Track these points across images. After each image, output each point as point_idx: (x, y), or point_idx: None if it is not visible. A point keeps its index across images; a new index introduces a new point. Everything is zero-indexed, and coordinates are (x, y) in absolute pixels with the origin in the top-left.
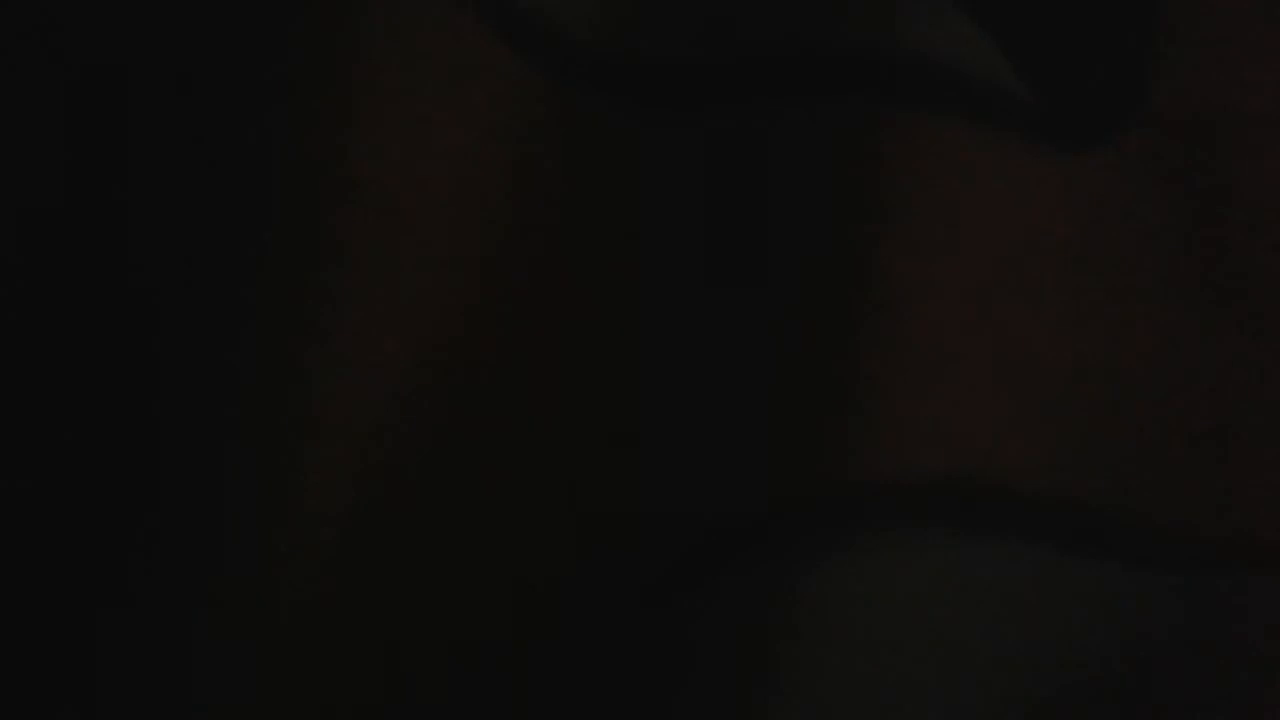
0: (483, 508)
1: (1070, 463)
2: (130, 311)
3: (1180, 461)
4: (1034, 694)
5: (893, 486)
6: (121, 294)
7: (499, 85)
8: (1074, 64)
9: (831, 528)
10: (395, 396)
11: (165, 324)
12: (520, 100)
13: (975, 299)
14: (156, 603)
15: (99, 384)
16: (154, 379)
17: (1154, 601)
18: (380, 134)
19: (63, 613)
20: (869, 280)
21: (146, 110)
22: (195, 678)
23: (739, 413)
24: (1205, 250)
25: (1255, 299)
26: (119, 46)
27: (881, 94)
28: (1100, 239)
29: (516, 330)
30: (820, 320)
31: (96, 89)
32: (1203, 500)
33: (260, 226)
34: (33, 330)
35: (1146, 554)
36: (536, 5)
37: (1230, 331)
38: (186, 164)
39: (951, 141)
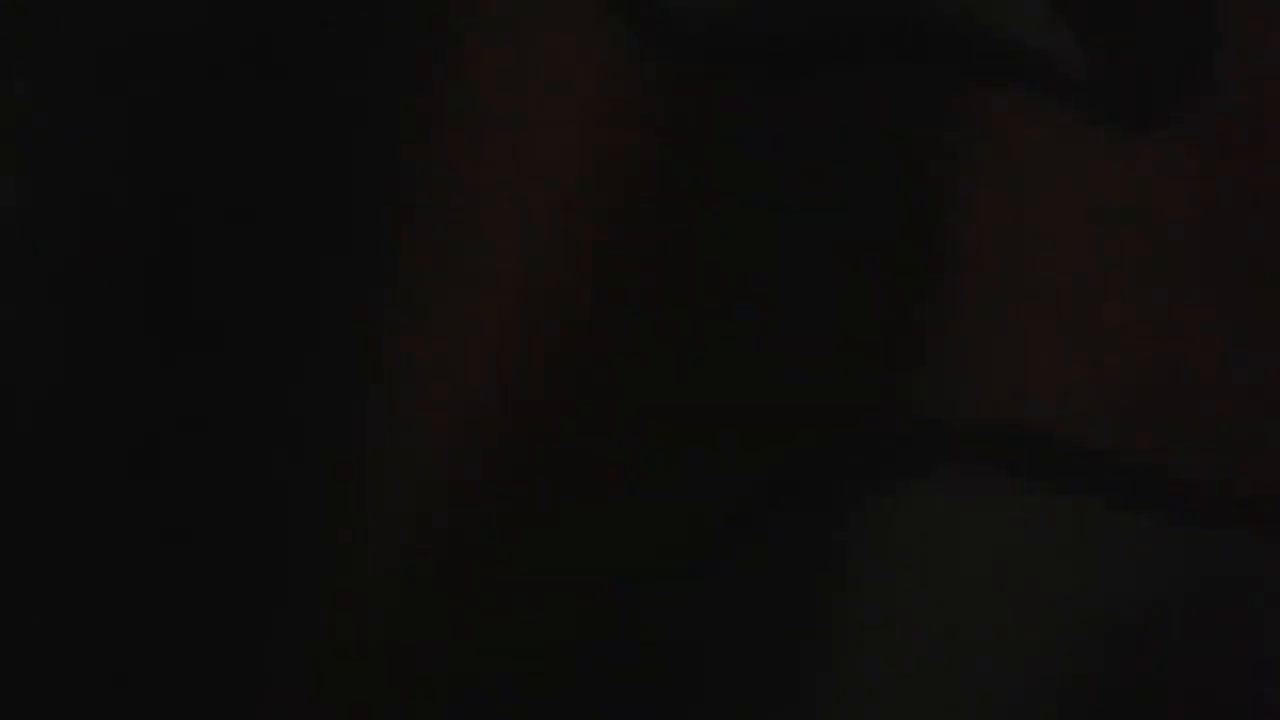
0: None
1: (1117, 418)
2: (212, 308)
3: (1223, 426)
4: (1072, 634)
5: (950, 425)
6: (201, 289)
7: (607, 66)
8: (1138, 45)
9: (891, 461)
10: (493, 383)
11: (252, 318)
12: (628, 80)
13: (1038, 258)
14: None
15: (175, 389)
16: (240, 372)
17: (1192, 555)
18: (487, 121)
19: (121, 632)
20: (939, 233)
21: (229, 97)
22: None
23: (812, 351)
24: (1256, 232)
25: None
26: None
27: (954, 66)
28: (1157, 214)
29: (623, 312)
30: (893, 269)
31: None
32: (1241, 463)
33: (357, 218)
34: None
35: (1185, 509)
36: None
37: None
38: (277, 154)
39: (1021, 111)
